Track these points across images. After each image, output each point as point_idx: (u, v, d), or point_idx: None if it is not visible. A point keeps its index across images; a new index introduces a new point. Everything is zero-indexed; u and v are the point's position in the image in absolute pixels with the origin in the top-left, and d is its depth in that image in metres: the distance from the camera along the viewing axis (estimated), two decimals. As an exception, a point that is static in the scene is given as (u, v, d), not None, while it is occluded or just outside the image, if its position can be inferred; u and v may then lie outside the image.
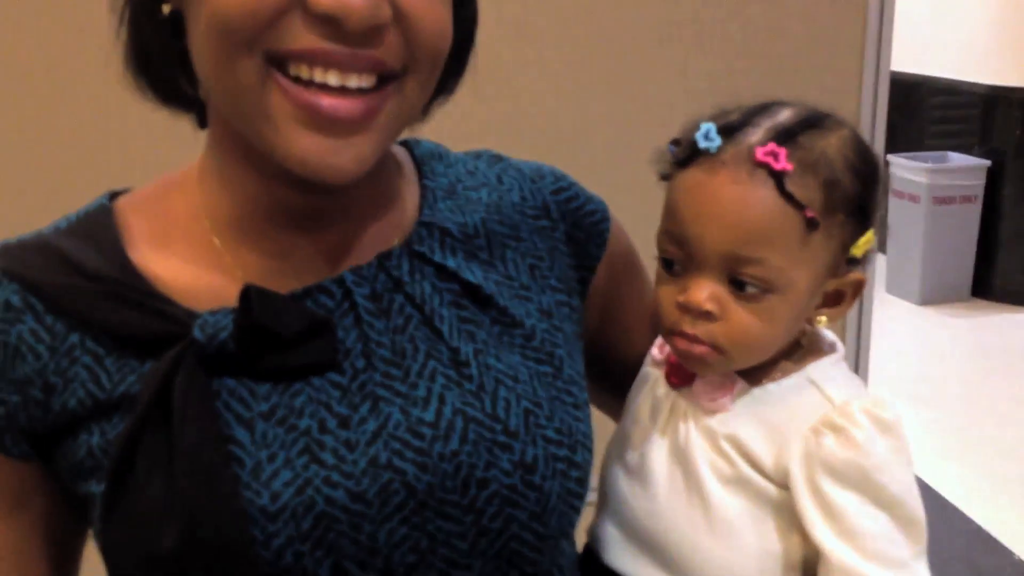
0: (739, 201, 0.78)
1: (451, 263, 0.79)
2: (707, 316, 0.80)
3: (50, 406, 0.73)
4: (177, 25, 0.71)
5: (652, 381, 0.89)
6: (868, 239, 0.82)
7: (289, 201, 0.75)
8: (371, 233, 0.80)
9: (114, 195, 0.81)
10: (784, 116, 0.81)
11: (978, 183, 4.97)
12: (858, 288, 0.84)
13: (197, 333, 0.70)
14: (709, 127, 0.79)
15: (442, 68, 0.74)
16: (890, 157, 5.00)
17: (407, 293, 0.77)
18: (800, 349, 0.86)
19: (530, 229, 0.85)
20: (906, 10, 4.63)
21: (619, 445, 0.89)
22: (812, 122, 0.81)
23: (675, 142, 0.82)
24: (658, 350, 0.90)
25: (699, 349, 0.81)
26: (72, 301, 0.73)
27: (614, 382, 0.94)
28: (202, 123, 0.78)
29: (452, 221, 0.82)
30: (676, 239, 0.81)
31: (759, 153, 0.77)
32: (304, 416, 0.72)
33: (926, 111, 5.42)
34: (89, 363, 0.73)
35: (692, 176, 0.80)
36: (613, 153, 1.69)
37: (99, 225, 0.77)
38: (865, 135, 1.90)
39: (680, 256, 0.82)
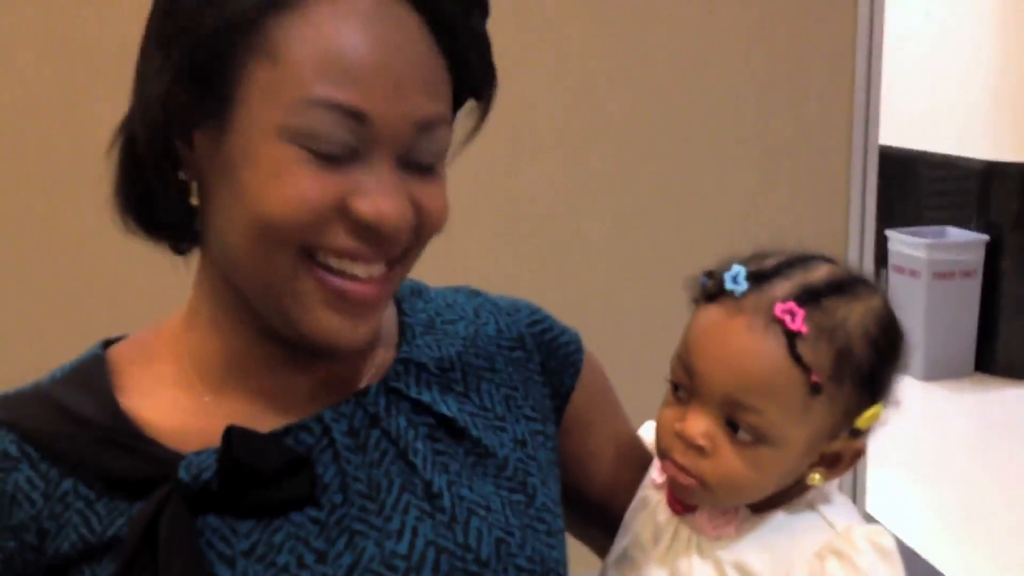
0: (748, 350, 0.79)
1: (426, 397, 0.83)
2: (699, 450, 0.81)
3: (44, 551, 0.76)
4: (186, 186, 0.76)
5: (653, 505, 0.90)
6: (875, 413, 0.82)
7: (280, 353, 0.79)
8: (352, 371, 0.83)
9: (107, 343, 0.85)
10: (817, 274, 0.82)
11: (977, 257, 4.98)
12: (856, 456, 0.84)
13: (182, 474, 0.73)
14: (740, 271, 0.80)
15: None
16: (888, 232, 5.02)
17: (383, 429, 0.80)
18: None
19: (505, 360, 0.89)
20: (901, 85, 4.69)
21: (620, 567, 0.90)
22: (842, 286, 0.81)
23: (708, 274, 0.84)
24: (658, 473, 0.90)
25: (685, 479, 0.82)
26: (65, 448, 0.76)
27: (589, 510, 0.96)
28: (177, 250, 0.82)
29: (429, 356, 0.85)
30: (686, 367, 0.83)
31: (778, 309, 0.78)
32: (283, 552, 0.74)
33: (923, 185, 5.45)
34: (81, 508, 0.75)
35: (713, 313, 0.82)
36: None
37: (92, 374, 0.81)
38: (855, 210, 1.90)
39: (687, 384, 0.83)
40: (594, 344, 0.96)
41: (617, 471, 0.95)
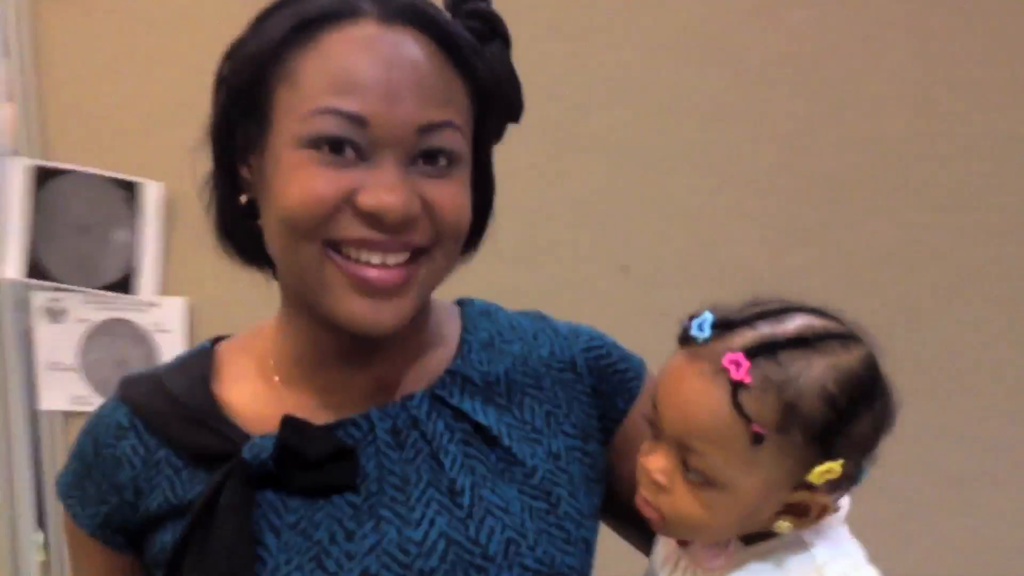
0: (694, 395, 0.83)
1: (466, 406, 0.94)
2: (658, 485, 0.87)
3: (138, 507, 0.92)
4: (253, 208, 0.90)
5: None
6: (827, 469, 0.82)
7: (335, 347, 0.91)
8: (405, 376, 0.96)
9: (217, 339, 1.01)
10: (785, 327, 0.84)
11: None
12: (823, 511, 0.85)
13: (245, 453, 0.87)
14: (707, 318, 0.85)
15: (465, 237, 0.90)
16: None
17: (422, 430, 0.92)
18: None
19: (553, 380, 0.99)
20: None
21: None
22: (809, 341, 0.83)
23: (692, 316, 0.88)
24: None
25: (649, 512, 0.89)
26: (163, 423, 0.92)
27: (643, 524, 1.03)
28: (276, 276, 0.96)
29: (477, 370, 0.97)
30: (655, 406, 0.89)
31: (725, 359, 0.82)
32: (320, 528, 0.87)
33: None
34: (170, 474, 0.91)
35: (677, 356, 0.87)
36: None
37: (197, 363, 0.97)
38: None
39: (655, 422, 0.89)
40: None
41: None
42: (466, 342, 0.99)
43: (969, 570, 1.87)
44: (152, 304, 1.88)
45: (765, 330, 0.84)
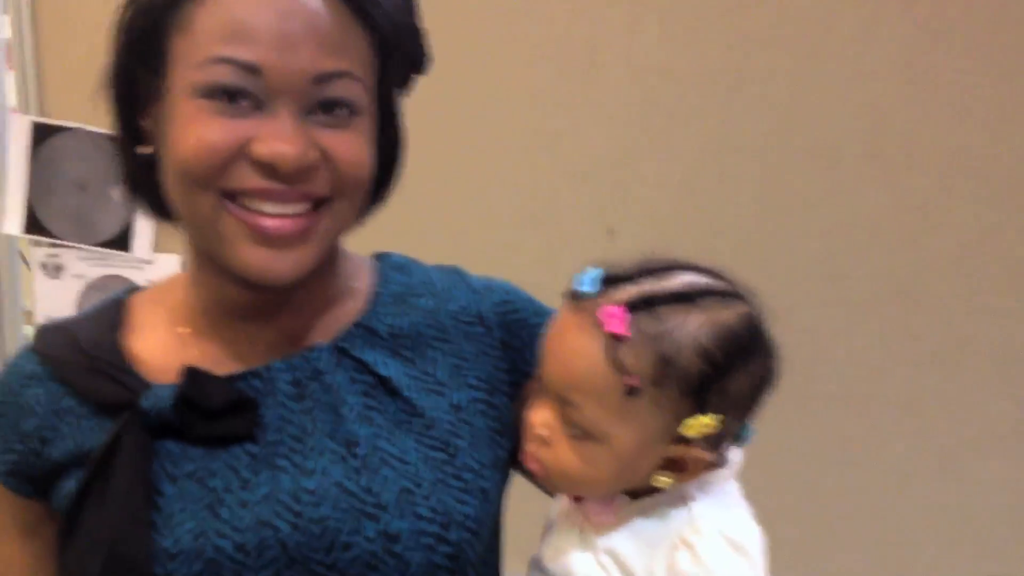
0: (573, 348, 0.83)
1: (368, 358, 0.93)
2: (540, 439, 0.87)
3: (43, 455, 0.92)
4: (155, 161, 0.89)
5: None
6: (700, 423, 0.82)
7: (240, 299, 0.91)
8: (312, 328, 0.95)
9: (133, 290, 1.01)
10: (668, 283, 0.84)
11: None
12: (700, 465, 0.85)
13: (144, 402, 0.87)
14: (596, 274, 0.85)
15: (367, 189, 0.90)
16: None
17: (323, 382, 0.92)
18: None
19: (461, 334, 0.99)
20: None
21: (542, 541, 0.97)
22: (689, 296, 0.83)
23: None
24: None
25: (532, 465, 0.89)
26: (68, 372, 0.92)
27: None
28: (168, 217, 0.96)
29: (384, 323, 0.96)
30: (540, 360, 0.89)
31: (600, 312, 0.82)
32: (216, 477, 0.87)
33: None
34: (73, 422, 0.91)
35: (563, 309, 0.87)
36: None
37: (108, 314, 0.97)
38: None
39: (540, 376, 0.89)
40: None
41: None
42: (377, 295, 0.99)
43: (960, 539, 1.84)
44: (147, 261, 1.90)
45: (647, 286, 0.83)
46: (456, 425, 0.94)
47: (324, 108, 0.84)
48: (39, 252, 1.90)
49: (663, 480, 0.85)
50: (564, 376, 0.84)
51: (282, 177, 0.82)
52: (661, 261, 0.87)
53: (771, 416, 0.90)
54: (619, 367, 0.81)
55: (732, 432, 0.86)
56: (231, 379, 0.90)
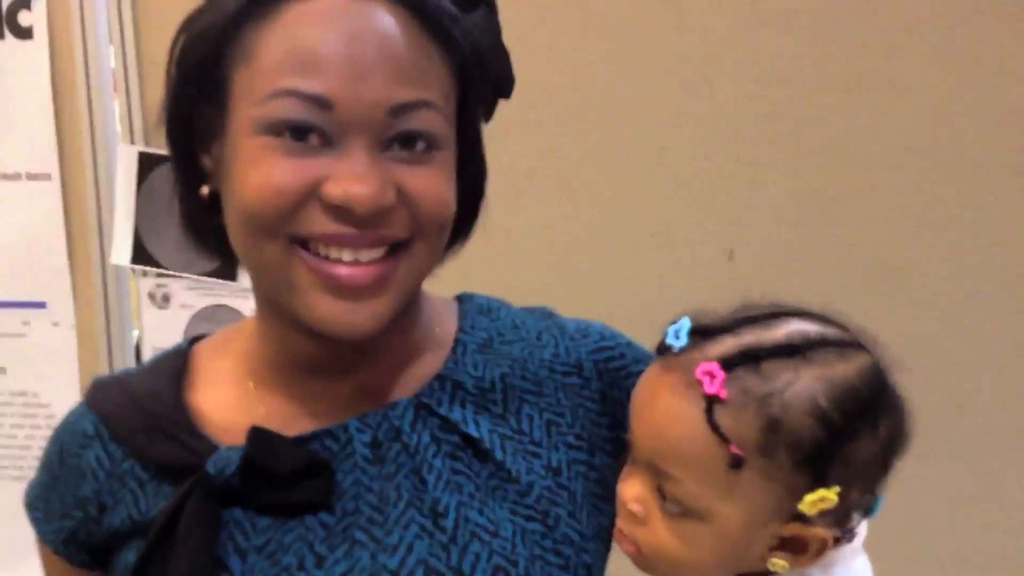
0: (665, 412, 0.74)
1: (455, 415, 0.85)
2: (632, 516, 0.77)
3: (102, 523, 0.85)
4: (218, 203, 0.82)
5: None
6: (820, 497, 0.71)
7: (312, 352, 0.83)
8: (392, 382, 0.87)
9: (195, 339, 0.93)
10: (773, 334, 0.74)
11: None
12: (822, 546, 0.75)
13: (209, 467, 0.79)
14: (683, 325, 0.76)
15: (449, 228, 0.81)
16: None
17: (404, 443, 0.83)
18: None
19: (556, 385, 0.89)
20: None
21: None
22: (800, 349, 0.73)
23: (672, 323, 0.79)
24: None
25: (625, 546, 0.79)
26: (129, 432, 0.85)
27: None
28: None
29: (470, 375, 0.87)
30: (629, 425, 0.80)
31: (698, 370, 0.72)
32: (289, 553, 0.79)
33: None
34: (134, 487, 0.84)
35: (651, 369, 0.78)
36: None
37: (170, 366, 0.89)
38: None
39: (631, 443, 0.80)
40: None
41: None
42: (461, 343, 0.90)
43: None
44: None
45: (748, 338, 0.73)
46: (555, 491, 0.85)
47: (401, 143, 0.76)
48: (147, 282, 1.89)
49: (779, 564, 0.75)
50: (657, 445, 0.75)
51: (357, 220, 0.74)
52: (763, 307, 0.77)
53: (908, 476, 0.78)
54: (720, 434, 0.70)
55: (858, 505, 0.75)
56: (302, 440, 0.82)
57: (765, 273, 1.65)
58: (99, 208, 1.87)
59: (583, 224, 1.72)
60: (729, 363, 0.71)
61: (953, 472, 1.66)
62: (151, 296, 1.89)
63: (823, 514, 0.72)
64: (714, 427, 0.70)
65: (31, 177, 1.87)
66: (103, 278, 1.88)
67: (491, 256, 1.71)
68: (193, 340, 0.94)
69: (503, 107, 0.87)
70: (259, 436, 0.80)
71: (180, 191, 0.85)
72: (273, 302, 0.81)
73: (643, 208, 1.71)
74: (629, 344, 0.94)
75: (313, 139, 0.74)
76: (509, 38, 0.85)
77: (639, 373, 0.86)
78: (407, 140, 0.76)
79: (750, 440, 0.70)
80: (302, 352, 0.84)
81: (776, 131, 1.65)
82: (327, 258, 0.76)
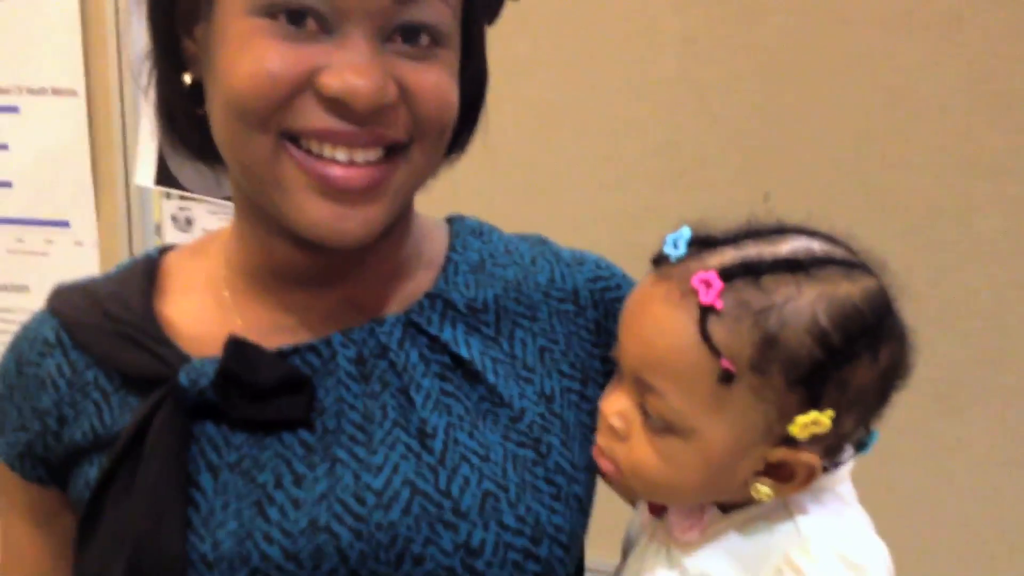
0: (656, 322, 0.69)
1: (446, 335, 0.80)
2: (614, 432, 0.73)
3: (61, 437, 0.80)
4: (199, 91, 0.76)
5: (642, 502, 0.83)
6: (812, 420, 0.67)
7: (296, 261, 0.78)
8: (378, 297, 0.82)
9: (166, 249, 0.88)
10: (776, 248, 0.69)
11: None
12: (809, 475, 0.70)
13: (182, 378, 0.74)
14: (682, 234, 0.71)
15: (450, 133, 0.76)
16: None
17: (391, 360, 0.78)
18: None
19: (551, 311, 0.85)
20: None
21: (624, 557, 0.84)
22: (804, 264, 0.68)
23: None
24: None
25: (603, 463, 0.75)
26: (93, 339, 0.79)
27: None
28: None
29: (462, 295, 0.83)
30: (617, 337, 0.75)
31: (693, 279, 0.67)
32: (265, 470, 0.74)
33: None
34: (98, 399, 0.79)
35: (645, 278, 0.73)
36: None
37: (138, 274, 0.84)
38: None
39: (617, 357, 0.75)
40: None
41: None
42: (452, 262, 0.85)
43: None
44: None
45: (751, 250, 0.68)
46: (547, 418, 0.80)
47: (404, 35, 0.70)
48: (170, 205, 1.86)
49: (763, 491, 0.70)
50: (644, 356, 0.70)
51: (355, 117, 0.69)
52: (769, 223, 0.71)
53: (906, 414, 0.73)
54: (712, 346, 0.66)
55: (851, 436, 0.70)
56: (283, 354, 0.77)
57: (801, 216, 1.59)
58: (124, 127, 1.84)
59: (614, 163, 1.66)
60: (728, 274, 0.67)
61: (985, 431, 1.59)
62: (174, 219, 1.86)
63: (814, 440, 0.68)
64: (706, 338, 0.66)
65: (56, 92, 1.85)
66: (127, 198, 1.86)
67: (516, 188, 1.66)
68: (164, 249, 0.88)
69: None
70: (237, 347, 0.75)
71: (159, 77, 0.78)
72: (256, 204, 0.76)
73: (676, 147, 1.65)
74: (625, 276, 0.89)
75: (310, 24, 0.68)
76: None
77: None
78: (411, 33, 0.70)
79: (743, 355, 0.66)
80: (285, 260, 0.79)
81: (813, 66, 1.57)
82: (320, 157, 0.70)
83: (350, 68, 0.67)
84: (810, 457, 0.69)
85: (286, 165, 0.70)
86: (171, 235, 1.86)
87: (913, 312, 0.71)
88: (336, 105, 0.68)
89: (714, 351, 0.66)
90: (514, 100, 1.63)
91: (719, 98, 1.61)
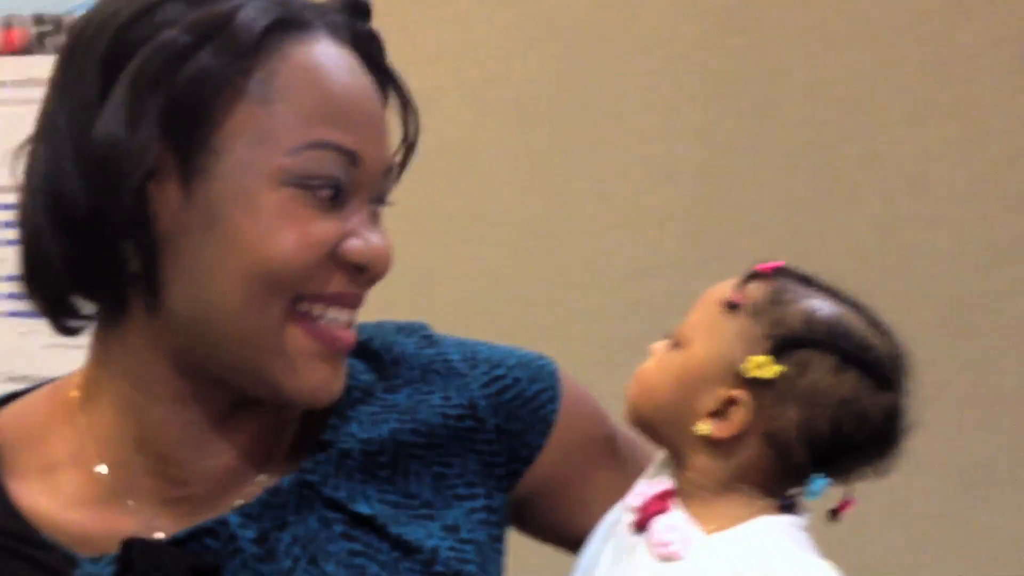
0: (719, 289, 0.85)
1: (341, 495, 0.77)
2: (650, 354, 0.85)
3: None
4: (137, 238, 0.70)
5: (620, 524, 0.84)
6: (764, 362, 0.78)
7: (205, 417, 0.75)
8: (268, 445, 0.79)
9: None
10: (832, 304, 0.81)
11: None
12: (741, 414, 0.79)
13: None
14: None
15: None
16: None
17: (293, 534, 0.74)
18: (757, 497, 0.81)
19: (449, 434, 0.81)
20: None
21: None
22: (839, 296, 0.82)
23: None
24: (633, 497, 0.85)
25: (632, 387, 0.85)
26: None
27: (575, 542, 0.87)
28: (68, 332, 0.76)
29: (357, 439, 0.79)
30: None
31: (733, 293, 0.81)
32: None
33: None
34: None
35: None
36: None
37: None
38: None
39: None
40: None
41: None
42: (346, 392, 0.79)
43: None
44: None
45: (811, 293, 0.82)
46: (459, 549, 0.78)
47: (378, 203, 0.75)
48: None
49: (703, 427, 0.80)
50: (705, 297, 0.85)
51: (366, 279, 0.73)
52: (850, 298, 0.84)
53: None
54: (739, 285, 0.81)
55: (799, 470, 0.79)
56: (178, 541, 0.72)
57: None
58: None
59: (639, 249, 1.69)
60: (784, 272, 0.83)
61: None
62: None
63: (756, 413, 0.78)
64: (740, 281, 0.82)
65: None
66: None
67: (539, 273, 1.69)
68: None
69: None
70: (135, 549, 0.69)
71: (85, 237, 0.70)
72: (179, 365, 0.72)
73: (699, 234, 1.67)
74: (519, 362, 0.85)
75: (327, 193, 0.70)
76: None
77: (536, 394, 0.84)
78: (379, 201, 0.75)
79: (752, 299, 0.80)
80: (190, 420, 0.74)
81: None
82: (328, 322, 0.72)
83: (370, 232, 0.72)
84: (741, 392, 0.79)
85: (293, 333, 0.71)
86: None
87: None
88: (354, 270, 0.72)
89: (739, 287, 0.81)
90: (532, 191, 1.68)
91: (740, 187, 1.63)
